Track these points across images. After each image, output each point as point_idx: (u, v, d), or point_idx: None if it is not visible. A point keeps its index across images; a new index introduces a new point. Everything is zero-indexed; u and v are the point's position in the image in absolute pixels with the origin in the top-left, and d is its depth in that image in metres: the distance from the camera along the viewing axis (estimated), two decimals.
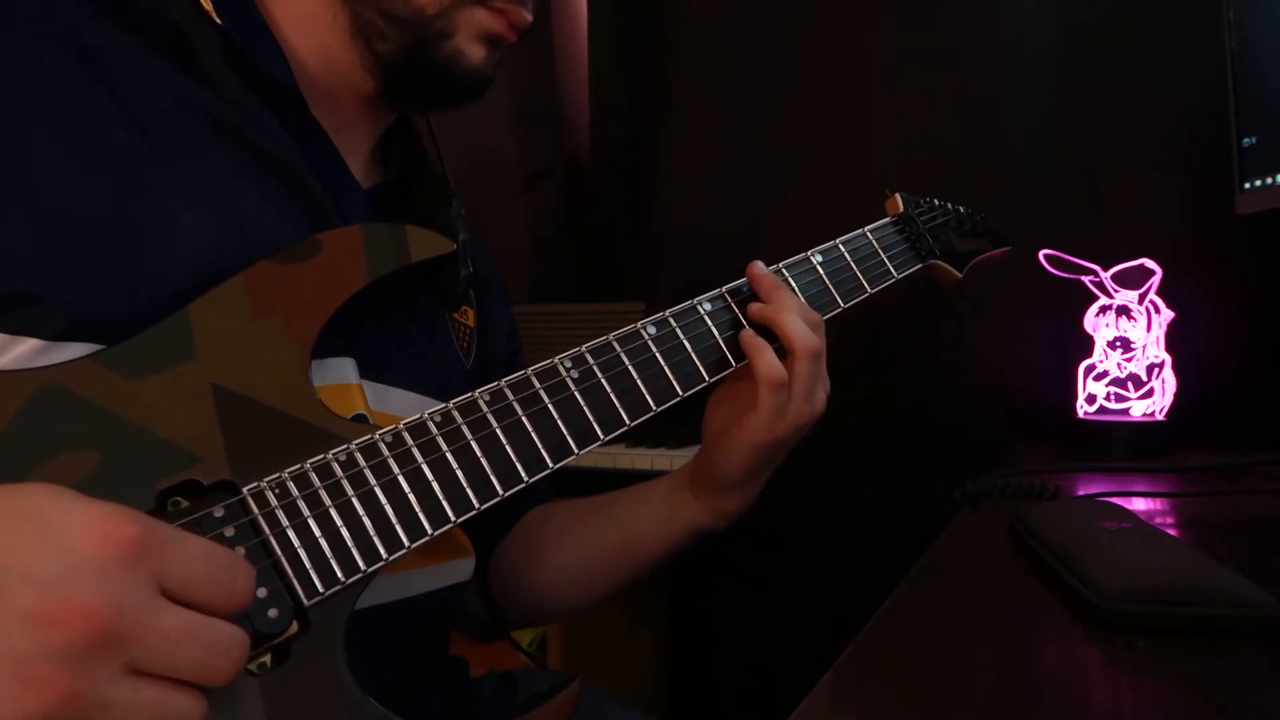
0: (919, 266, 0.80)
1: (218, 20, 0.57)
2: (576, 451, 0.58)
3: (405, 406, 0.61)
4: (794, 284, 0.70)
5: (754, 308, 0.67)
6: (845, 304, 0.73)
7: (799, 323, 0.66)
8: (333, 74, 0.64)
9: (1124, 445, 1.02)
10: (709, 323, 0.66)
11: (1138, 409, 1.03)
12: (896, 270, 0.77)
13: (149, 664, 0.37)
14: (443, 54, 0.62)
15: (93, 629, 0.35)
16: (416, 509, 0.52)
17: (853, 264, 0.74)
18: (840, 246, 0.74)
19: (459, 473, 0.54)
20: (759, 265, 0.69)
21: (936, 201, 0.85)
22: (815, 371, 0.66)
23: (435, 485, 0.53)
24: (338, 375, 0.58)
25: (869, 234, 0.77)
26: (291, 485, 0.50)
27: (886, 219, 0.80)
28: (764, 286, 0.68)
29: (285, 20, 0.62)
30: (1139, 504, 0.78)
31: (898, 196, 0.81)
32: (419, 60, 0.62)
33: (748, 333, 0.66)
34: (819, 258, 0.73)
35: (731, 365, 0.66)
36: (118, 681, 0.36)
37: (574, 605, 0.82)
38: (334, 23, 0.62)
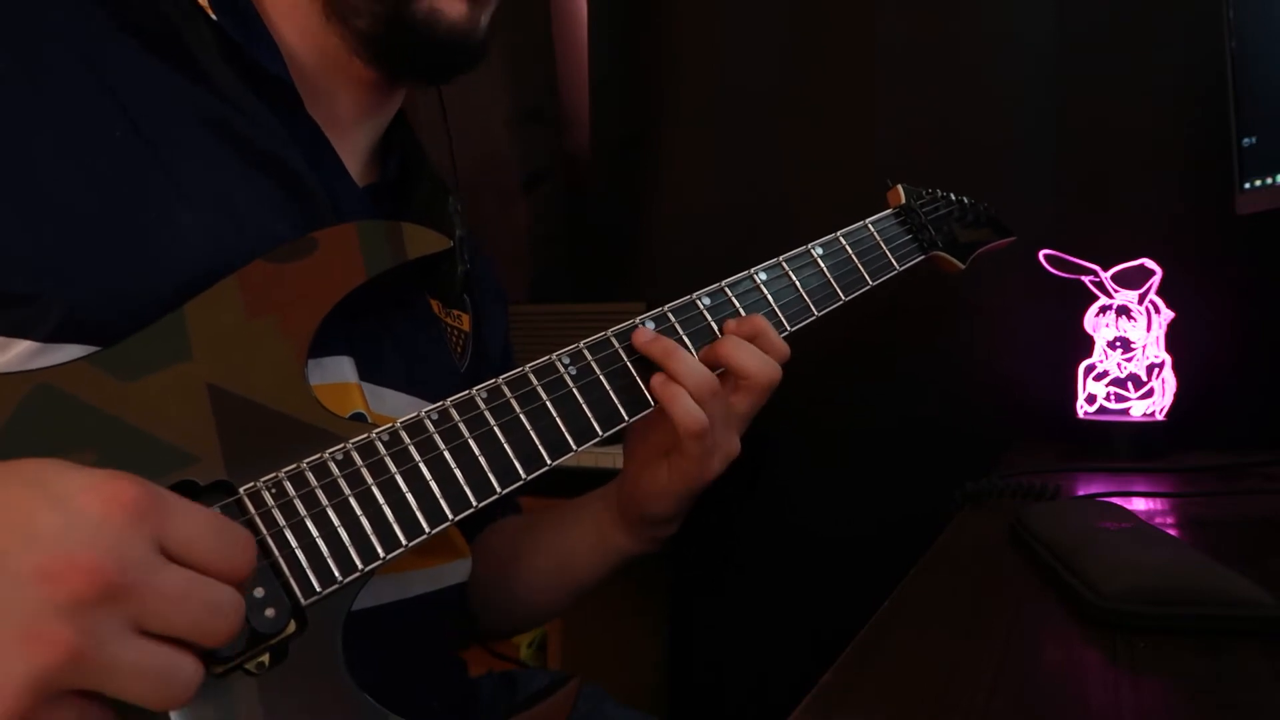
0: (921, 258, 0.79)
1: (213, 15, 0.57)
2: (574, 449, 0.58)
3: (400, 408, 0.61)
4: (794, 277, 0.70)
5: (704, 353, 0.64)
6: (846, 297, 0.72)
7: (754, 353, 0.64)
8: (326, 63, 0.63)
9: (1124, 445, 1.02)
10: (708, 318, 0.65)
11: (1138, 409, 1.03)
12: (898, 262, 0.76)
13: (150, 622, 0.37)
14: (419, 16, 0.61)
15: (95, 584, 0.35)
16: (414, 507, 0.52)
17: (854, 256, 0.73)
18: (841, 239, 0.74)
19: (456, 471, 0.54)
20: (645, 333, 0.64)
21: (939, 192, 0.85)
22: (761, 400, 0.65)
23: (432, 484, 0.53)
24: (336, 374, 0.58)
25: (870, 225, 0.76)
26: (288, 485, 0.50)
27: (888, 210, 0.79)
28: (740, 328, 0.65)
29: (275, 12, 0.62)
30: (1139, 504, 0.78)
31: (899, 188, 0.81)
32: (398, 28, 0.61)
33: (658, 378, 0.62)
34: (819, 250, 0.72)
35: None
36: (121, 638, 0.36)
37: (521, 623, 0.82)
38: (310, 6, 0.61)
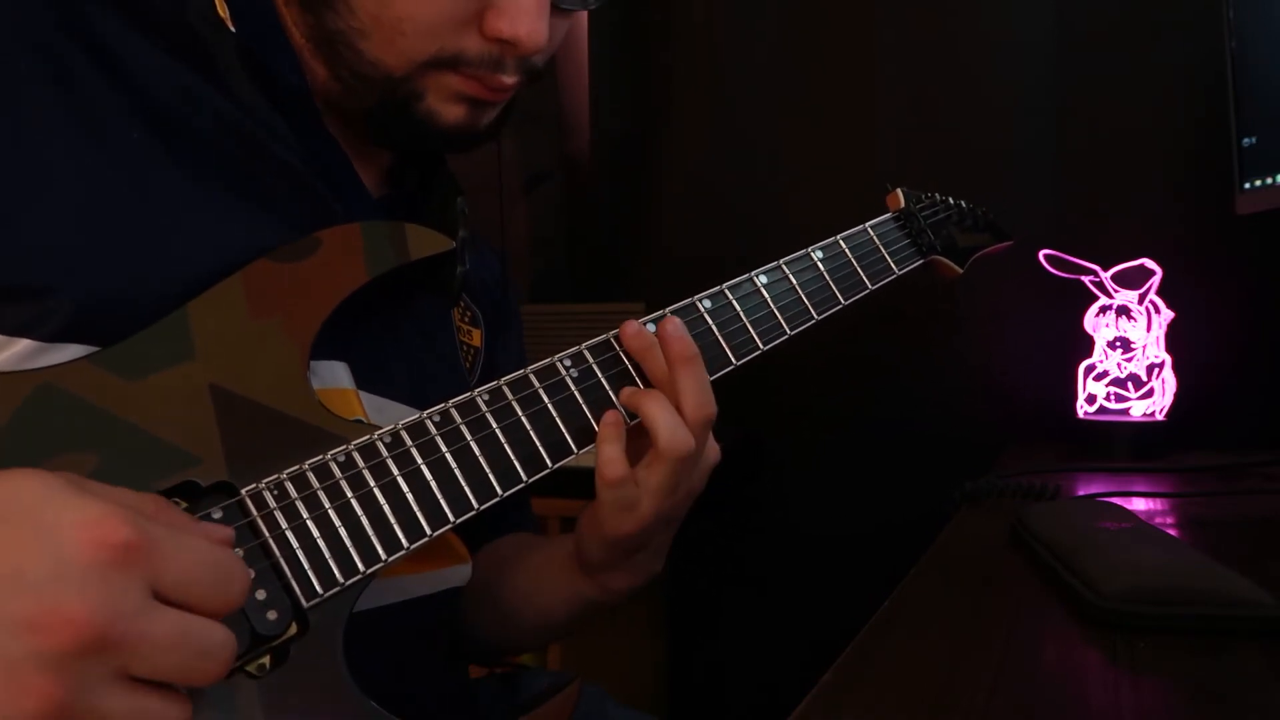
0: (920, 262, 0.79)
1: (232, 28, 0.57)
2: (575, 451, 0.58)
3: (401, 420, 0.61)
4: (794, 281, 0.70)
5: (626, 393, 0.60)
6: (846, 300, 0.72)
7: (670, 419, 0.57)
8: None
9: (1124, 445, 1.02)
10: (709, 321, 0.65)
11: (1138, 409, 1.03)
12: (898, 266, 0.76)
13: (137, 669, 0.36)
14: (418, 113, 0.60)
15: (83, 637, 0.35)
16: (415, 510, 0.52)
17: (853, 260, 0.73)
18: (841, 243, 0.73)
19: (458, 473, 0.54)
20: (632, 325, 0.60)
21: (938, 196, 0.84)
22: (677, 474, 0.58)
23: (434, 486, 0.53)
24: (330, 380, 0.58)
25: (870, 230, 0.76)
26: (290, 487, 0.50)
27: (888, 214, 0.79)
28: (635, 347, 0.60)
29: (304, 50, 0.61)
30: (1139, 504, 0.78)
31: (899, 191, 0.81)
32: (397, 116, 0.61)
33: (608, 416, 0.58)
34: (819, 254, 0.72)
35: (732, 363, 0.65)
36: (106, 689, 0.36)
37: (515, 646, 0.78)
38: (328, 72, 0.61)
